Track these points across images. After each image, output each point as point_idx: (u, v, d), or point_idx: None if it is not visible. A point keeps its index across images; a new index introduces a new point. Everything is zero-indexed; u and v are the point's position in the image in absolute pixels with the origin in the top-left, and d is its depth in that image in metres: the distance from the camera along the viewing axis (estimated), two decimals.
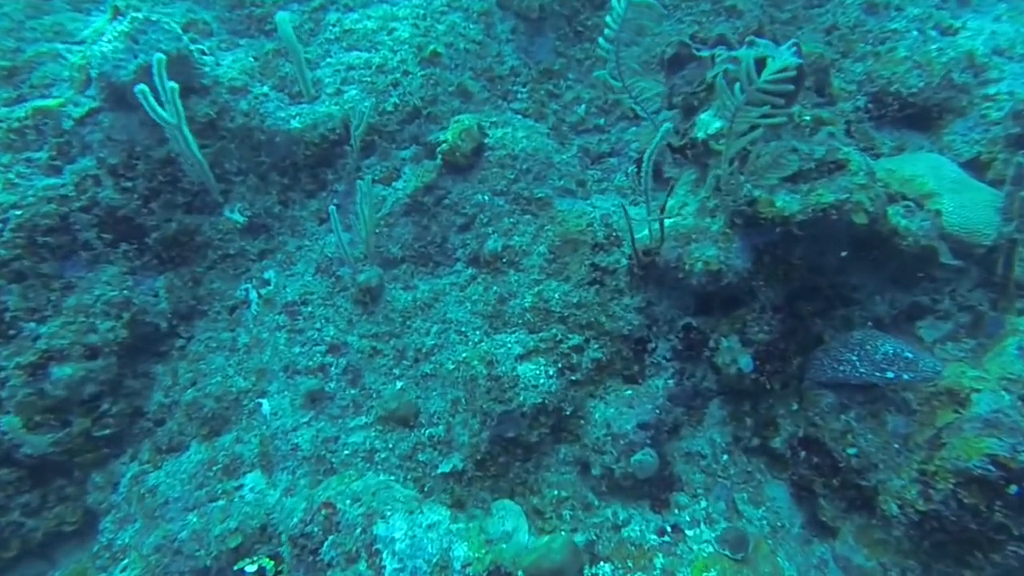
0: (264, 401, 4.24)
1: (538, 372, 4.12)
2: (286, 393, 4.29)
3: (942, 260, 4.21)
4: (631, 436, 4.00)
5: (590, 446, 4.15)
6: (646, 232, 4.23)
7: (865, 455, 3.94)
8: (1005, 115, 4.84)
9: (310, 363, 4.39)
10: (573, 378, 4.21)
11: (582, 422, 4.25)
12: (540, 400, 4.04)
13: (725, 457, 4.38)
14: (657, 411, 4.16)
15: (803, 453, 4.21)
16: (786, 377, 4.24)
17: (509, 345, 4.22)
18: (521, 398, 4.03)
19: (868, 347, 3.96)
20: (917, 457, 3.69)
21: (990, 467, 3.32)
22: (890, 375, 3.86)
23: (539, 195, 4.57)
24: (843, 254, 3.93)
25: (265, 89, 4.54)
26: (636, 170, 3.87)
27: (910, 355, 3.79)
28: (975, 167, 4.87)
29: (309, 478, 3.96)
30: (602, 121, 5.14)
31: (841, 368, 4.06)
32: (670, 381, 4.36)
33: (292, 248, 4.77)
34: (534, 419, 4.09)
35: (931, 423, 3.73)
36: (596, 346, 4.29)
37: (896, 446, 3.88)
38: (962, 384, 3.70)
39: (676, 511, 4.13)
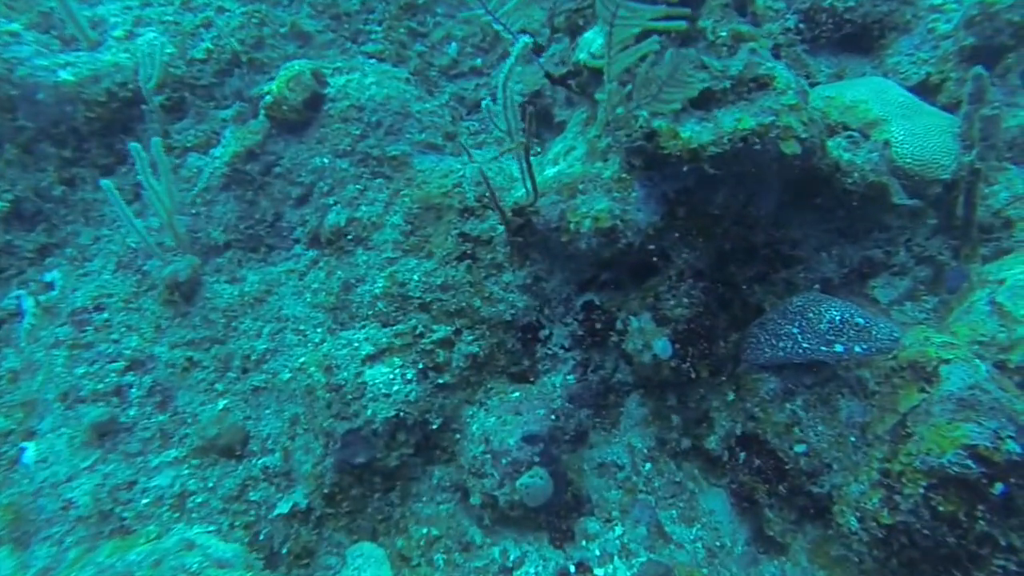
0: (30, 445, 3.18)
1: (392, 376, 3.15)
2: (63, 430, 3.24)
3: (895, 200, 3.37)
4: (515, 453, 3.07)
5: (467, 468, 3.20)
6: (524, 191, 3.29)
7: (816, 453, 3.08)
8: (955, 26, 4.04)
9: (100, 386, 3.34)
10: (441, 381, 3.26)
11: (458, 436, 3.31)
12: (394, 412, 3.08)
13: (648, 466, 3.48)
14: (552, 417, 3.24)
15: (742, 454, 3.34)
16: (717, 361, 3.36)
17: (356, 344, 3.25)
18: (369, 411, 3.06)
19: (811, 315, 3.09)
20: (878, 453, 2.84)
21: (969, 462, 2.47)
22: (839, 348, 3.00)
23: (393, 153, 3.60)
24: (758, 193, 3.04)
25: (15, 27, 3.45)
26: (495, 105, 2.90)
27: (861, 321, 2.93)
28: (925, 91, 4.06)
29: (85, 546, 2.93)
30: (479, 62, 4.19)
31: (781, 345, 3.19)
32: (570, 377, 3.44)
33: (87, 240, 3.71)
34: (391, 437, 3.13)
35: (893, 407, 2.87)
36: (470, 338, 3.35)
37: (852, 439, 3.03)
38: (928, 354, 2.85)
39: (583, 543, 3.21)
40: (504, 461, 3.08)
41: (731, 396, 3.42)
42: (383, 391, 3.10)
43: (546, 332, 3.48)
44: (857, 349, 2.94)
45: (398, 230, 3.48)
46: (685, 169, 2.83)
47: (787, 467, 3.16)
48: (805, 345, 3.09)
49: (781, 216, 3.69)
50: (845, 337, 2.97)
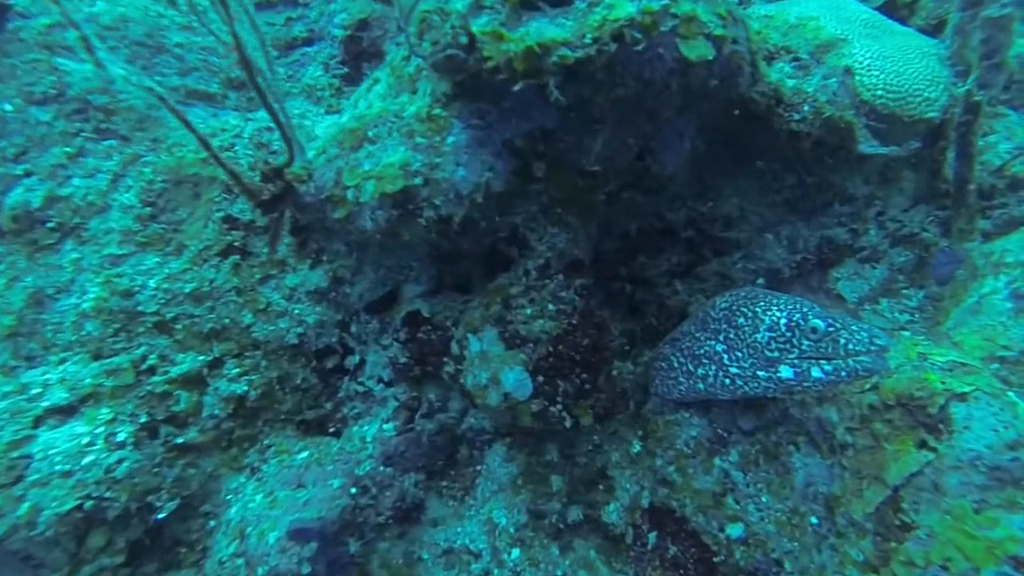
0: None
1: (86, 440, 1.96)
2: None
3: (862, 149, 2.29)
4: (274, 558, 1.89)
5: None
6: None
7: (758, 540, 1.97)
8: None
9: None
10: (180, 440, 2.08)
11: (212, 523, 2.12)
12: (76, 503, 1.88)
13: (516, 553, 2.33)
14: (353, 490, 2.08)
15: (652, 535, 2.21)
16: (605, 399, 2.22)
17: (38, 390, 2.05)
18: (25, 507, 1.85)
19: (741, 320, 1.99)
20: (855, 552, 1.73)
21: None
22: (787, 373, 1.88)
23: (130, 103, 2.40)
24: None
25: None
26: None
27: (821, 324, 1.83)
28: (893, 12, 2.99)
29: None
30: None
31: (700, 372, 2.08)
32: (388, 426, 2.28)
33: None
34: (77, 543, 1.92)
35: (876, 473, 1.77)
36: (235, 371, 2.17)
37: (814, 521, 1.92)
38: (928, 383, 1.76)
39: None
40: (260, 572, 1.89)
41: (636, 447, 2.30)
42: (62, 468, 1.89)
43: (355, 359, 2.31)
44: (816, 373, 1.83)
45: (132, 214, 2.28)
46: (518, 88, 1.68)
47: (716, 559, 2.04)
48: (735, 370, 1.97)
49: (708, 183, 2.61)
50: (795, 353, 1.86)
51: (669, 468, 2.17)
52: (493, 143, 1.92)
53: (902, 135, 2.40)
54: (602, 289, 2.66)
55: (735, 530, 2.01)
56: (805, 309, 1.89)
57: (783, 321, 1.89)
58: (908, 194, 2.76)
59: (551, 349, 2.03)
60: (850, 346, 1.76)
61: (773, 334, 1.89)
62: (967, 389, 1.65)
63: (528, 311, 2.04)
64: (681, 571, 2.10)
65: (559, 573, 2.31)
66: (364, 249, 2.23)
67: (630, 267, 2.67)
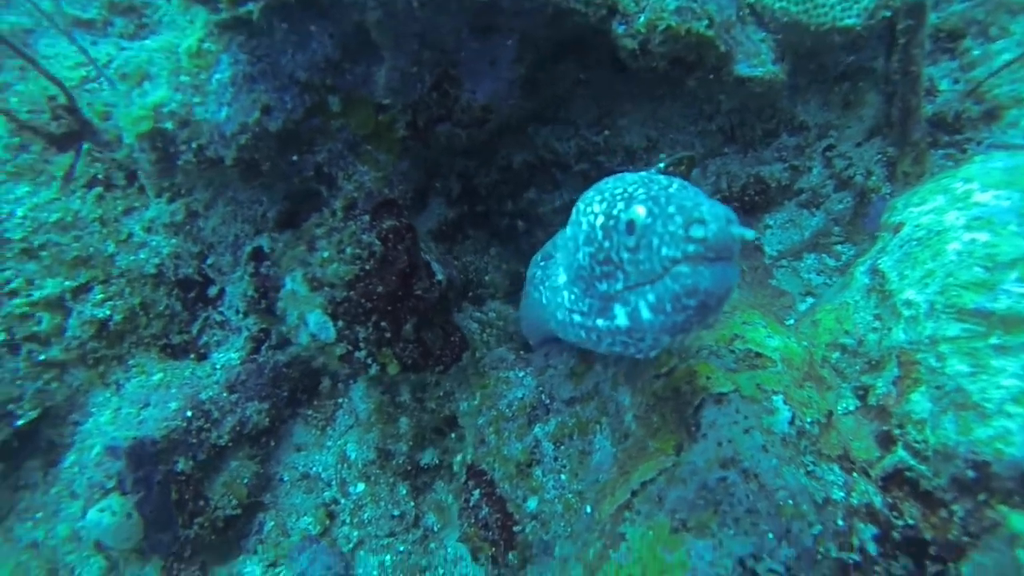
0: None
1: None
2: None
3: (738, 70, 1.84)
4: (91, 471, 2.07)
5: (64, 482, 2.25)
6: None
7: (544, 520, 1.83)
8: None
9: None
10: (43, 356, 2.28)
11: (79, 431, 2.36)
12: None
13: (360, 487, 2.37)
14: (188, 413, 2.19)
15: (476, 492, 2.13)
16: (415, 349, 2.13)
17: None
18: None
19: (572, 228, 1.42)
20: (592, 551, 1.54)
21: None
22: (622, 320, 1.22)
23: None
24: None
25: None
26: None
27: (642, 214, 1.12)
28: None
29: None
30: None
31: (527, 303, 1.94)
32: (234, 355, 2.34)
33: None
34: None
35: (630, 472, 1.54)
36: (100, 296, 2.32)
37: (588, 510, 1.74)
38: (696, 377, 1.47)
39: None
40: (88, 479, 2.09)
41: (476, 399, 2.19)
42: None
43: (215, 289, 2.37)
44: (646, 315, 1.14)
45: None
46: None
47: (515, 529, 1.93)
48: (577, 318, 1.39)
49: (607, 108, 2.28)
50: (620, 279, 1.20)
51: (489, 429, 2.04)
52: (271, 77, 1.77)
53: (812, 49, 1.89)
54: (481, 226, 2.48)
55: (532, 504, 1.88)
56: (632, 188, 1.18)
57: (600, 223, 1.22)
58: (867, 123, 2.22)
59: (346, 292, 1.94)
60: (664, 249, 1.05)
61: (591, 248, 1.25)
62: (726, 389, 1.35)
63: (325, 254, 1.94)
64: (490, 534, 2.02)
65: (396, 512, 2.32)
66: (219, 185, 2.20)
67: (517, 203, 2.44)
